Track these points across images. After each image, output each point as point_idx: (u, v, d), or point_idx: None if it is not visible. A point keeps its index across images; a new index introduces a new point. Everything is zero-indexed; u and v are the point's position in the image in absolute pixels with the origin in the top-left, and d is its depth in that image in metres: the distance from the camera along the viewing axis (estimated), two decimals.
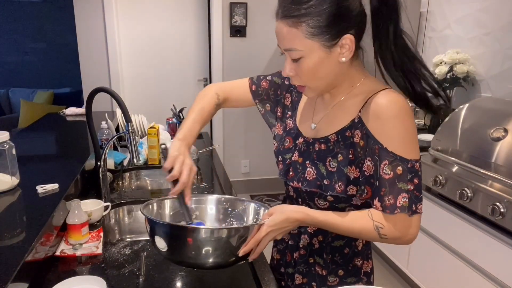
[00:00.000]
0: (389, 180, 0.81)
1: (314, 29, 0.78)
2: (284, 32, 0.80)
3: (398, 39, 0.82)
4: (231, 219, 1.06)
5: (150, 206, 0.98)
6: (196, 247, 0.82)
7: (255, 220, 1.03)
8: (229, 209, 1.07)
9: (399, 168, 0.80)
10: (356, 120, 0.85)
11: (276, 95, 1.07)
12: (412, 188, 0.81)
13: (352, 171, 0.85)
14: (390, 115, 0.79)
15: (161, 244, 0.84)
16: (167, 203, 1.04)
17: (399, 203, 0.81)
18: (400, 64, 0.83)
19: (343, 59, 0.81)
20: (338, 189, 0.86)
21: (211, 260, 0.83)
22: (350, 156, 0.85)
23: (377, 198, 0.83)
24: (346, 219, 0.87)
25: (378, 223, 0.84)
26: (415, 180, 0.81)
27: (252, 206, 1.04)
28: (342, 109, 0.88)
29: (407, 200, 0.81)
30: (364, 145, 0.84)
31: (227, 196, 1.08)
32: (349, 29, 0.79)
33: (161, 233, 0.84)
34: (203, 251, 0.82)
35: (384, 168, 0.81)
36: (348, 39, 0.79)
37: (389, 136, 0.80)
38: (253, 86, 1.09)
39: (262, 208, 1.02)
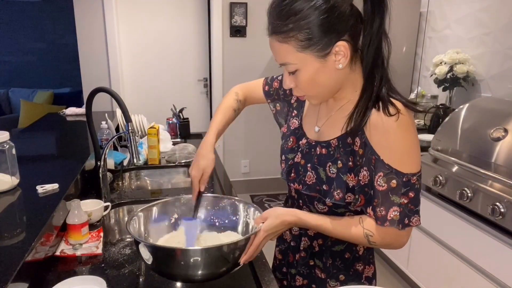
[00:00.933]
0: (382, 192, 0.80)
1: (304, 42, 0.76)
2: (276, 47, 0.81)
3: (374, 40, 0.78)
4: (212, 217, 1.09)
5: (136, 219, 0.99)
6: (187, 266, 0.82)
7: (237, 217, 1.07)
8: (208, 207, 1.10)
9: (394, 181, 0.79)
10: None
11: (285, 95, 1.08)
12: (405, 201, 0.79)
13: (351, 179, 0.85)
14: (389, 127, 0.77)
15: (146, 256, 0.86)
16: (155, 211, 1.06)
17: (390, 216, 0.80)
18: (367, 63, 0.81)
19: (340, 66, 0.79)
20: (337, 196, 0.86)
21: (204, 274, 0.85)
22: (350, 163, 0.84)
23: (370, 207, 0.84)
24: (338, 224, 0.87)
25: (368, 231, 0.84)
26: (410, 194, 0.79)
27: (231, 202, 1.09)
28: (345, 114, 0.87)
29: (398, 214, 0.80)
30: (363, 154, 0.83)
31: (205, 195, 1.11)
32: (341, 36, 0.77)
33: (148, 253, 0.85)
34: (198, 270, 0.83)
35: (379, 180, 0.80)
36: (341, 46, 0.77)
37: (387, 148, 0.78)
38: (266, 87, 1.14)
39: (241, 205, 1.06)
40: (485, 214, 1.73)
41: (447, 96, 2.74)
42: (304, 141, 0.96)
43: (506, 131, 1.79)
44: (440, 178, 2.00)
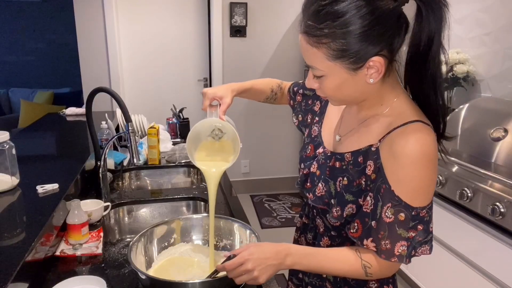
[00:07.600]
0: (389, 224, 0.73)
1: (337, 52, 0.69)
2: (304, 48, 0.74)
3: (437, 53, 0.75)
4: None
5: (136, 246, 1.01)
6: None
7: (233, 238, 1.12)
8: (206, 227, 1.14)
9: (402, 214, 0.73)
10: (373, 149, 0.78)
11: (307, 105, 1.07)
12: (413, 235, 0.74)
13: (360, 201, 0.80)
14: (407, 161, 0.71)
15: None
16: (155, 233, 1.10)
17: (397, 251, 0.74)
18: (433, 77, 0.76)
19: (371, 80, 0.72)
20: (335, 213, 0.81)
21: None
22: (363, 186, 0.79)
23: (370, 239, 0.76)
24: (332, 254, 0.81)
25: (367, 263, 0.78)
26: (419, 227, 0.74)
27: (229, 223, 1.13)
28: (366, 130, 0.81)
29: (406, 248, 0.74)
30: (375, 179, 0.77)
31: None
32: (379, 51, 0.69)
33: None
34: None
35: (387, 211, 0.73)
36: (377, 62, 0.70)
37: (401, 180, 0.72)
38: (291, 101, 1.14)
39: (248, 231, 1.08)
40: (485, 214, 1.73)
41: (447, 96, 2.74)
42: (321, 150, 0.91)
43: (506, 131, 1.79)
44: (440, 178, 2.00)
